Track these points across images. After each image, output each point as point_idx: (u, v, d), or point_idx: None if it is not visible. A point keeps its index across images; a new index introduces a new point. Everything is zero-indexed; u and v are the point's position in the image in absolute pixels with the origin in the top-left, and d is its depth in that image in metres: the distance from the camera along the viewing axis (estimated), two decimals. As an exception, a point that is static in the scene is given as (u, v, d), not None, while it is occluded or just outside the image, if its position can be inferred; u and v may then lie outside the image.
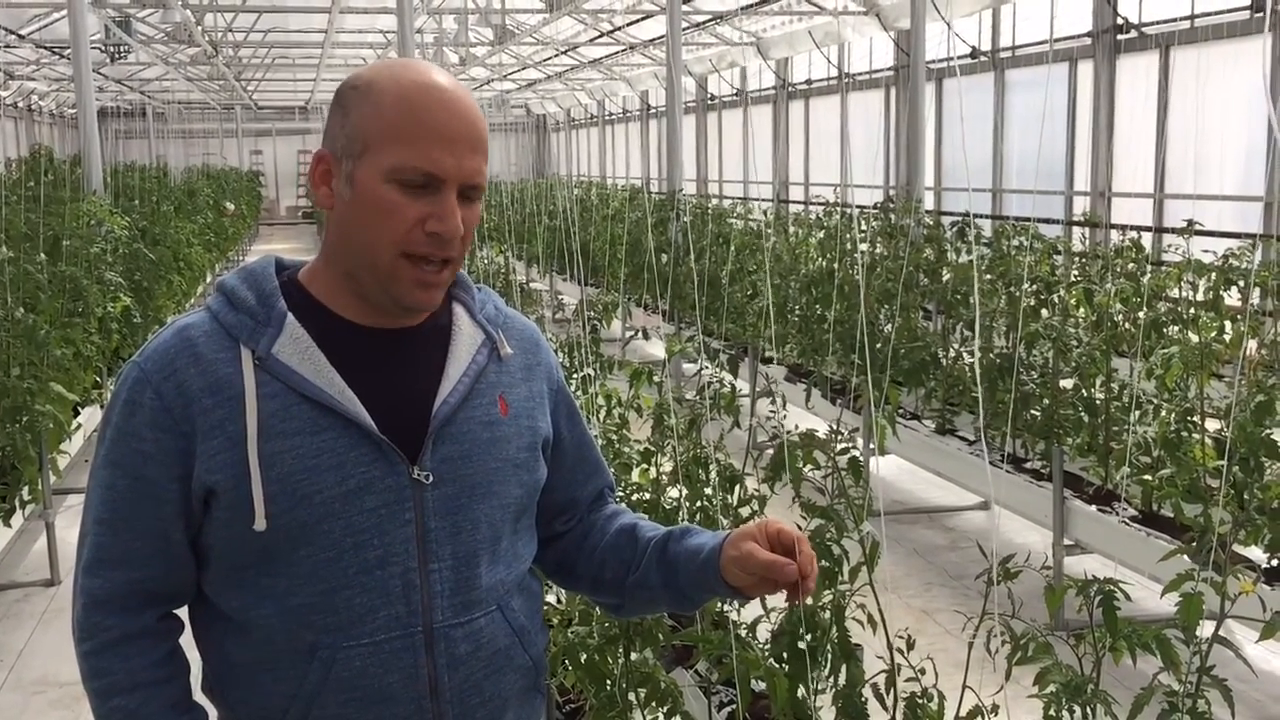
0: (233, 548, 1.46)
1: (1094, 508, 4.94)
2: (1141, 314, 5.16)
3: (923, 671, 2.50)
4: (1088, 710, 1.89)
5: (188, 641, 1.58)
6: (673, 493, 3.85)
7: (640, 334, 5.14)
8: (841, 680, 2.75)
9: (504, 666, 1.55)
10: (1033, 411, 5.55)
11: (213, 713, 1.56)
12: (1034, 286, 6.05)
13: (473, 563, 1.51)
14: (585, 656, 2.56)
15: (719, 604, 3.00)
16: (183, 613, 1.58)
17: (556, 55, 23.29)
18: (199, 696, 1.56)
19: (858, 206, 9.21)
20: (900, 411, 6.75)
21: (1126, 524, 4.70)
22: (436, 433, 1.49)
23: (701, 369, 3.87)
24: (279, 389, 1.45)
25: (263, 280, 1.52)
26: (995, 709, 2.20)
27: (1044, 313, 6.19)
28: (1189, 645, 1.82)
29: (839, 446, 2.54)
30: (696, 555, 1.58)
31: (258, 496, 1.42)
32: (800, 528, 2.78)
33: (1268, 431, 4.12)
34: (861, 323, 3.31)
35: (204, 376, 1.45)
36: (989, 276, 6.52)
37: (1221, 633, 5.00)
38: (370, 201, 1.45)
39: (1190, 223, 5.23)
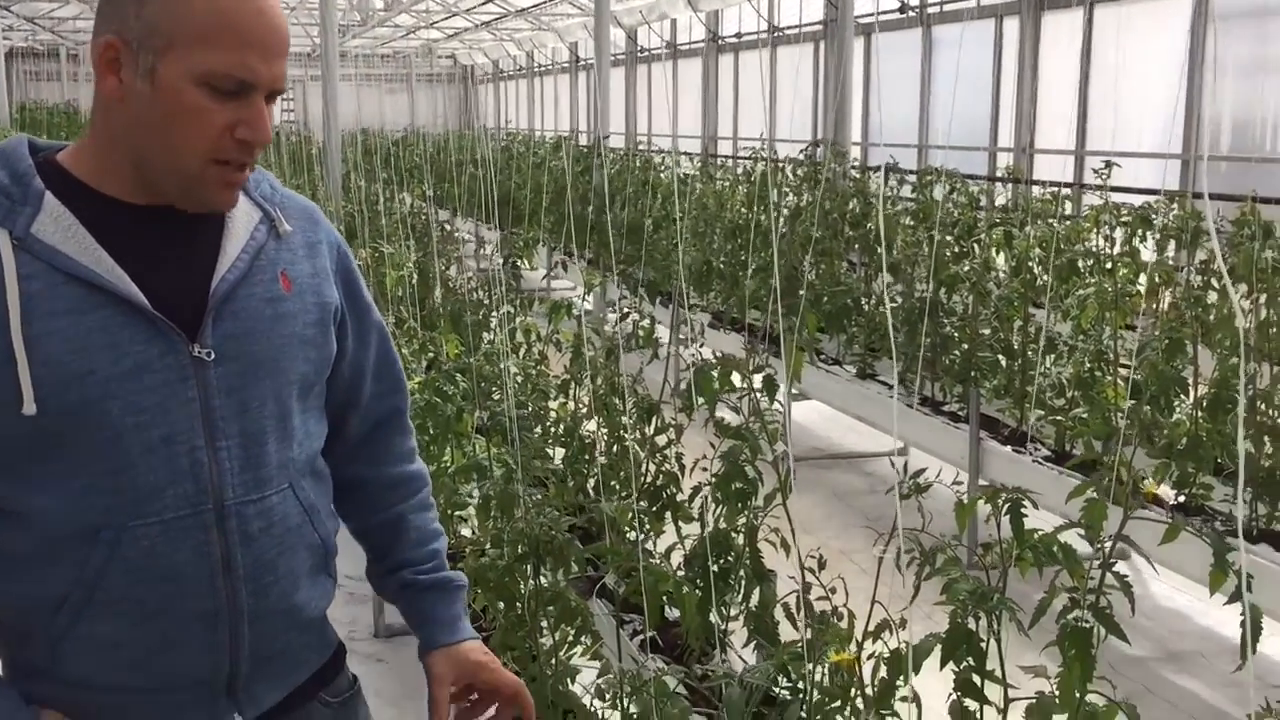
0: (5, 435, 1.41)
1: (1009, 448, 5.00)
2: (1058, 259, 5.21)
3: (833, 590, 2.50)
4: (993, 618, 1.89)
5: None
6: (590, 425, 3.81)
7: (560, 268, 5.07)
8: (754, 603, 2.75)
9: (296, 544, 1.55)
10: (952, 355, 5.59)
11: None
12: (955, 232, 6.08)
13: (261, 440, 1.50)
14: (493, 578, 2.51)
15: (629, 530, 2.96)
16: None
17: (484, 3, 22.92)
18: None
19: (784, 157, 9.20)
20: (821, 357, 6.79)
21: (1040, 463, 4.76)
22: (216, 309, 1.47)
23: (620, 299, 3.82)
24: (41, 269, 1.40)
25: (15, 160, 1.46)
26: (904, 623, 2.20)
27: (965, 265, 6.24)
28: (1092, 545, 1.82)
29: (753, 365, 2.51)
30: (413, 622, 1.77)
31: (24, 380, 1.37)
32: (713, 447, 2.77)
33: (1179, 369, 4.18)
34: (774, 244, 3.28)
35: None
36: (911, 223, 6.56)
37: (1127, 570, 5.08)
38: (175, 103, 1.41)
39: (1108, 163, 5.29)
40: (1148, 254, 6.25)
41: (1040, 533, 1.94)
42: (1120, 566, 5.63)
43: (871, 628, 2.23)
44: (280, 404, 1.53)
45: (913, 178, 8.27)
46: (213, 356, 1.45)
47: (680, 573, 2.84)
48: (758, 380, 2.64)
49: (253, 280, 1.51)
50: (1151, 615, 4.75)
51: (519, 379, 4.20)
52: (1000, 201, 8.70)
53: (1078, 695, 1.79)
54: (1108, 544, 1.77)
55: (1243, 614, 1.73)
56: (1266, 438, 3.93)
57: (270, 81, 1.44)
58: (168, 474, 1.43)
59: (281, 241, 1.56)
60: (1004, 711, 2.00)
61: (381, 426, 1.77)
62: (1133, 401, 4.06)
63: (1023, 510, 1.96)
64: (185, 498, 1.44)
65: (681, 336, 6.62)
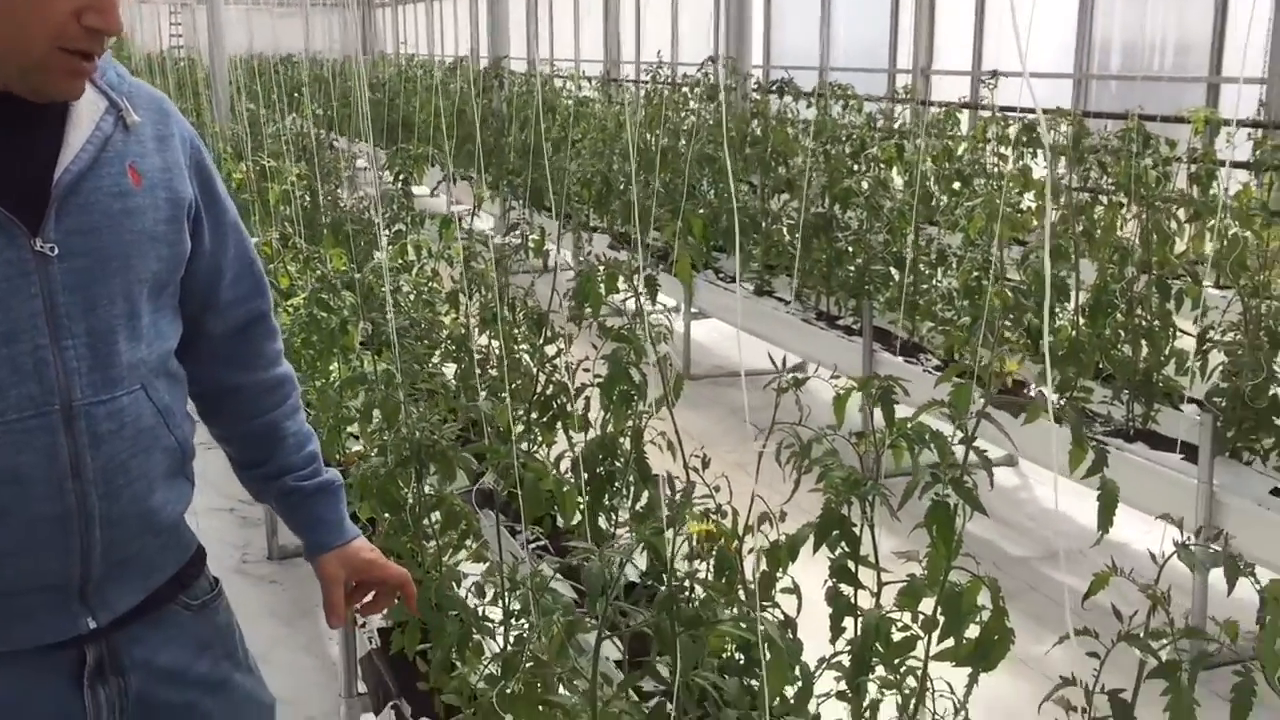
0: None
1: (901, 359, 5.09)
2: (946, 168, 5.28)
3: (717, 489, 2.53)
4: (866, 503, 1.93)
5: None
6: (482, 340, 3.78)
7: (451, 182, 5.01)
8: (641, 505, 2.77)
9: (150, 446, 1.52)
10: (846, 269, 5.65)
11: None
12: (850, 148, 6.11)
13: (110, 339, 1.46)
14: (376, 485, 2.49)
15: (513, 435, 2.96)
16: None
17: (379, -76, 22.27)
18: None
19: (684, 76, 9.14)
20: (720, 276, 6.82)
21: (930, 373, 4.85)
22: (60, 202, 1.41)
23: (509, 210, 3.78)
24: None
25: None
26: (783, 516, 2.23)
27: (864, 184, 6.30)
28: (955, 424, 1.86)
29: (634, 267, 2.50)
30: (298, 527, 1.78)
31: None
32: (596, 348, 2.77)
33: (1062, 277, 4.27)
34: (654, 149, 3.27)
35: None
36: (809, 142, 6.57)
37: (1017, 478, 5.18)
38: None
39: (994, 73, 5.35)
40: (1040, 171, 6.37)
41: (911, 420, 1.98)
42: (1008, 474, 5.69)
43: (752, 522, 2.25)
44: (130, 302, 1.47)
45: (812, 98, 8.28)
46: (56, 251, 1.39)
47: (569, 476, 2.84)
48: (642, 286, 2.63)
49: (99, 172, 1.45)
50: (1036, 518, 4.90)
51: (411, 296, 4.15)
52: (898, 114, 8.78)
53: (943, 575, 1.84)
54: (972, 423, 1.81)
55: (1099, 490, 1.80)
56: (1143, 340, 4.05)
57: None
58: (10, 374, 1.38)
59: (130, 133, 1.49)
60: (877, 595, 2.05)
61: (248, 330, 1.73)
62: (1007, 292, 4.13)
63: (894, 398, 1.99)
64: (29, 398, 1.39)
65: (580, 255, 6.61)
